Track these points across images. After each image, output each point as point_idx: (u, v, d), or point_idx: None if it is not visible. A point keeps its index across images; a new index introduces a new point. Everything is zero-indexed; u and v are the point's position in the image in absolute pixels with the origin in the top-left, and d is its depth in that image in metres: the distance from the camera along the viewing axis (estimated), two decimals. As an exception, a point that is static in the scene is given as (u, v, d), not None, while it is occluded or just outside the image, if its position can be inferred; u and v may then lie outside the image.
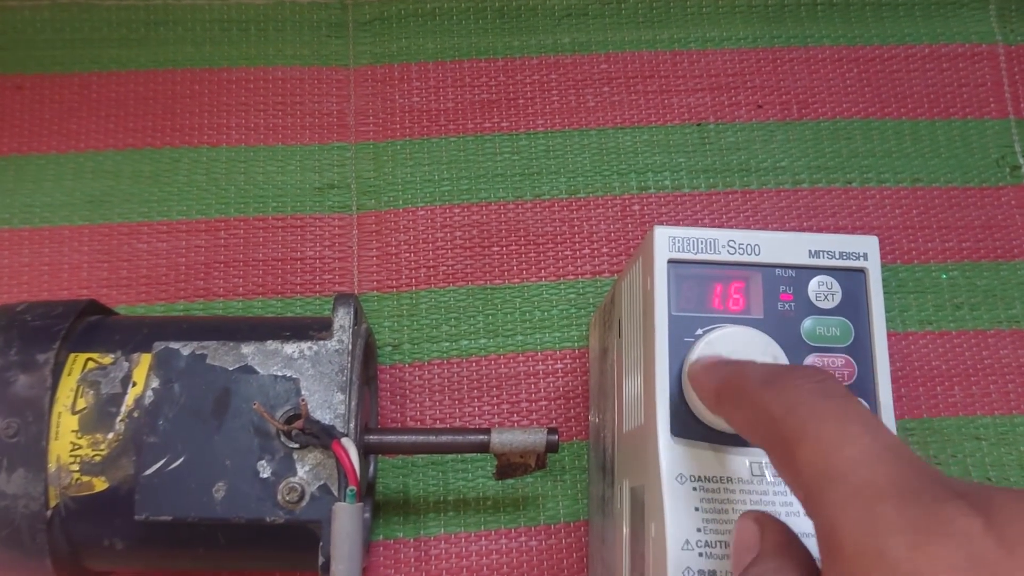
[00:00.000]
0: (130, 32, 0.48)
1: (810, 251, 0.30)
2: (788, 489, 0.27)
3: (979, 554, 0.17)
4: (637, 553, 0.30)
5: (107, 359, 0.34)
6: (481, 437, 0.36)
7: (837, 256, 0.30)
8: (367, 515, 0.40)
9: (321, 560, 0.32)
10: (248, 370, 0.34)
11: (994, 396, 0.43)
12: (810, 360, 0.29)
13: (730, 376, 0.25)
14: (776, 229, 0.45)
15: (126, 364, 0.34)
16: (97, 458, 0.32)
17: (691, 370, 0.27)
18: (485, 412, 0.43)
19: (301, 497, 0.32)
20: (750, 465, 0.27)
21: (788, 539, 0.24)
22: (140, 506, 0.32)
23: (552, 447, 0.36)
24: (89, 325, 0.35)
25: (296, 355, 0.34)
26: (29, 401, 0.32)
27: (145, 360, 0.34)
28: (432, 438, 0.36)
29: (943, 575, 0.17)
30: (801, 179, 0.47)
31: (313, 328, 0.35)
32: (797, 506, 0.27)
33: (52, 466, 0.32)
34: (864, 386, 0.29)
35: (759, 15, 0.49)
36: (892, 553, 0.18)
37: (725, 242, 0.30)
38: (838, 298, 0.30)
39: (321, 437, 0.32)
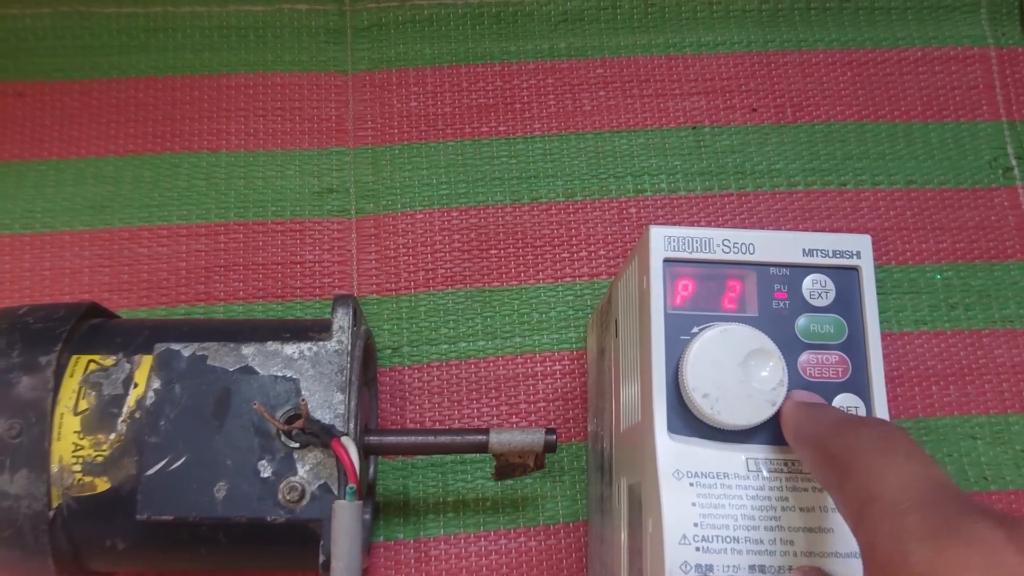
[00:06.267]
0: (130, 39, 0.48)
1: (804, 250, 0.30)
2: (782, 484, 0.28)
3: (999, 560, 0.18)
4: (635, 551, 0.30)
5: (109, 361, 0.34)
6: (480, 437, 0.36)
7: (830, 254, 0.30)
8: (367, 516, 0.40)
9: (321, 558, 0.32)
10: (248, 371, 0.34)
11: (989, 395, 0.44)
12: (804, 357, 0.29)
13: (807, 421, 0.27)
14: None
15: (128, 365, 0.34)
16: (99, 459, 0.33)
17: (784, 406, 0.28)
18: (484, 414, 0.43)
19: (301, 496, 0.32)
20: (746, 461, 0.28)
21: None
22: (142, 506, 0.32)
23: (550, 447, 0.36)
24: (91, 327, 0.36)
25: (296, 356, 0.34)
26: (32, 402, 0.33)
27: (146, 361, 0.34)
28: (431, 438, 0.36)
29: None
30: (796, 181, 0.47)
31: (313, 330, 0.36)
32: (793, 500, 0.27)
33: (54, 467, 0.32)
34: (858, 382, 0.29)
35: (753, 19, 0.50)
36: (915, 557, 0.19)
37: (720, 241, 0.30)
38: (832, 296, 0.30)
39: (321, 436, 0.32)
